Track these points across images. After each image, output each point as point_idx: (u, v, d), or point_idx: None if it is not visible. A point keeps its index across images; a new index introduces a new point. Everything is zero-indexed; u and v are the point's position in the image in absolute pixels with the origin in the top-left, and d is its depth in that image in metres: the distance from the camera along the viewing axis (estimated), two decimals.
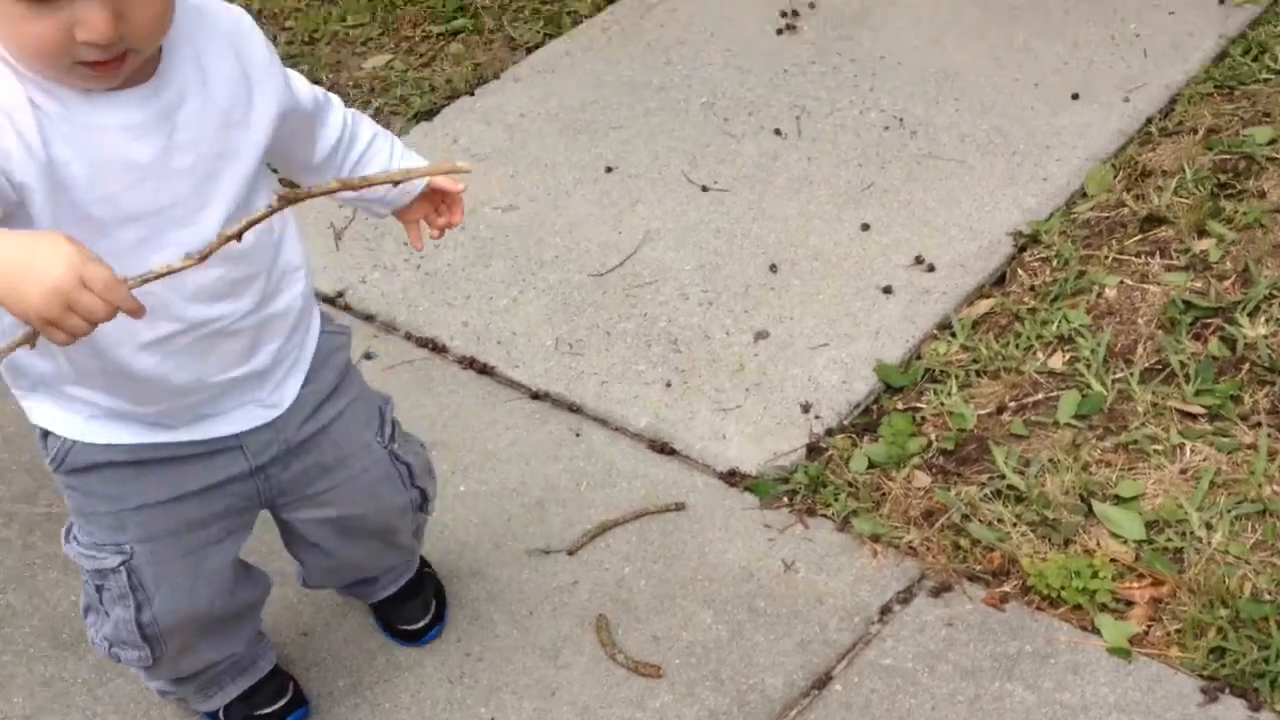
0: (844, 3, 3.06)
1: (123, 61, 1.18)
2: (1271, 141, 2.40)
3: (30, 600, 1.89)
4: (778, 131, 2.68)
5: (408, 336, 2.31)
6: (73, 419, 1.36)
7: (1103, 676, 1.66)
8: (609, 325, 2.28)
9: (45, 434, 1.39)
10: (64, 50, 1.14)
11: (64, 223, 1.17)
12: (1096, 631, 1.70)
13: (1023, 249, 2.31)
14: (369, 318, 2.36)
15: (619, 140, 2.71)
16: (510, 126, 2.79)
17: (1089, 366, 2.04)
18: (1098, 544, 1.79)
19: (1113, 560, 1.77)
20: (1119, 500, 1.84)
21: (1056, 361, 2.08)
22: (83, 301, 1.03)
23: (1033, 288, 2.22)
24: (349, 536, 1.58)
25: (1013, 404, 2.02)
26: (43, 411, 1.38)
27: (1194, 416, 1.94)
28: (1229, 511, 1.79)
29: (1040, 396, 2.02)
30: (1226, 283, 2.14)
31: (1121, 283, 2.19)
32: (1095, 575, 1.74)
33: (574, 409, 2.12)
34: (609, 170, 2.63)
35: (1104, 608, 1.72)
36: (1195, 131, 2.48)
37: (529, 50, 3.05)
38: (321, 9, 3.31)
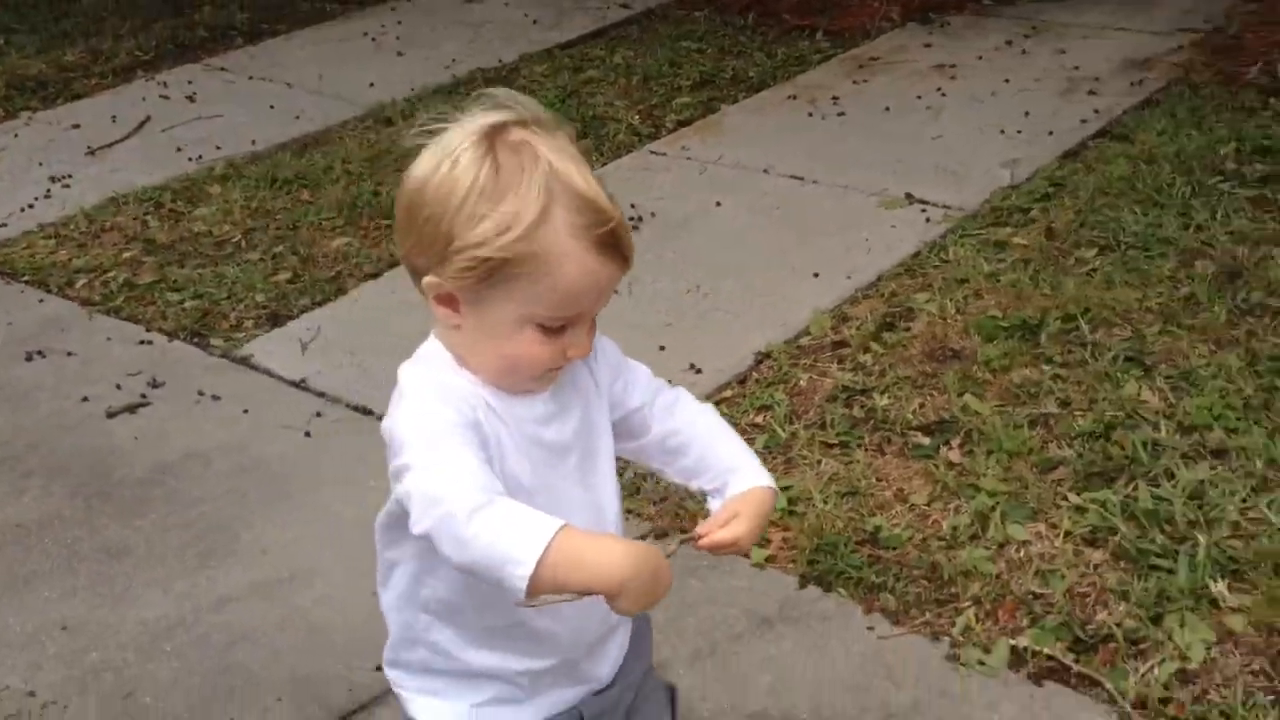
0: (675, 214, 4.36)
1: (558, 371, 1.46)
2: (927, 300, 3.63)
3: None
4: (617, 292, 3.90)
5: (348, 405, 3.45)
6: (451, 709, 1.53)
7: (746, 578, 2.74)
8: None
9: None
10: (551, 364, 1.42)
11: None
12: (748, 556, 2.80)
13: (759, 362, 3.50)
14: (320, 394, 3.51)
15: None
16: None
17: (777, 420, 3.19)
18: None
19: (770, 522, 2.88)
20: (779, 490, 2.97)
21: (759, 419, 3.23)
22: (663, 584, 1.31)
23: (756, 380, 3.40)
24: None
25: None
26: (426, 706, 1.55)
27: (831, 446, 3.08)
28: (836, 493, 2.92)
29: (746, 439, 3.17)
30: (873, 378, 3.32)
31: (810, 378, 3.37)
32: None
33: None
34: None
35: (756, 545, 2.83)
36: (883, 295, 3.72)
37: None
38: (300, 206, 4.60)
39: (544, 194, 1.34)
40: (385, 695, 2.40)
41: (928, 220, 4.16)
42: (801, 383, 3.36)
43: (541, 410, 1.47)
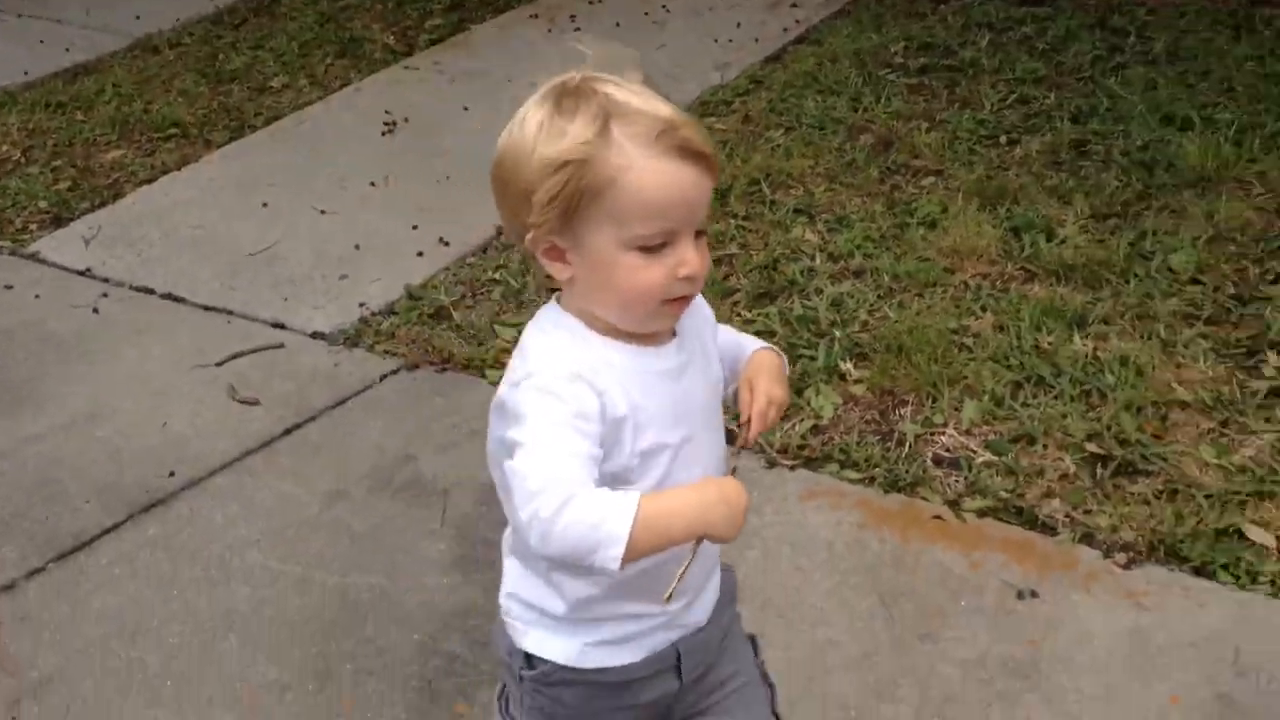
0: (427, 119, 4.89)
1: (689, 300, 1.46)
2: None
3: None
4: (373, 184, 4.42)
5: (131, 287, 3.88)
6: (563, 647, 1.56)
7: None
8: None
9: (529, 658, 1.58)
10: (664, 290, 1.41)
11: (636, 451, 1.43)
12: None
13: (500, 233, 4.06)
14: (105, 280, 3.93)
15: (280, 189, 4.41)
16: (202, 189, 4.45)
17: (510, 274, 3.77)
18: None
19: None
20: None
21: (497, 275, 3.80)
22: (739, 503, 1.37)
23: (495, 246, 3.97)
24: None
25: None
26: (537, 640, 1.57)
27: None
28: None
29: (483, 291, 3.74)
30: None
31: None
32: None
33: None
34: (265, 205, 4.30)
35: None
36: None
37: (219, 147, 4.76)
38: (75, 125, 4.95)
39: (600, 115, 1.37)
40: (174, 497, 2.92)
41: None
42: None
43: (674, 362, 1.49)
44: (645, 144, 1.37)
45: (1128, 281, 3.40)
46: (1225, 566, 2.51)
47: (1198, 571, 2.52)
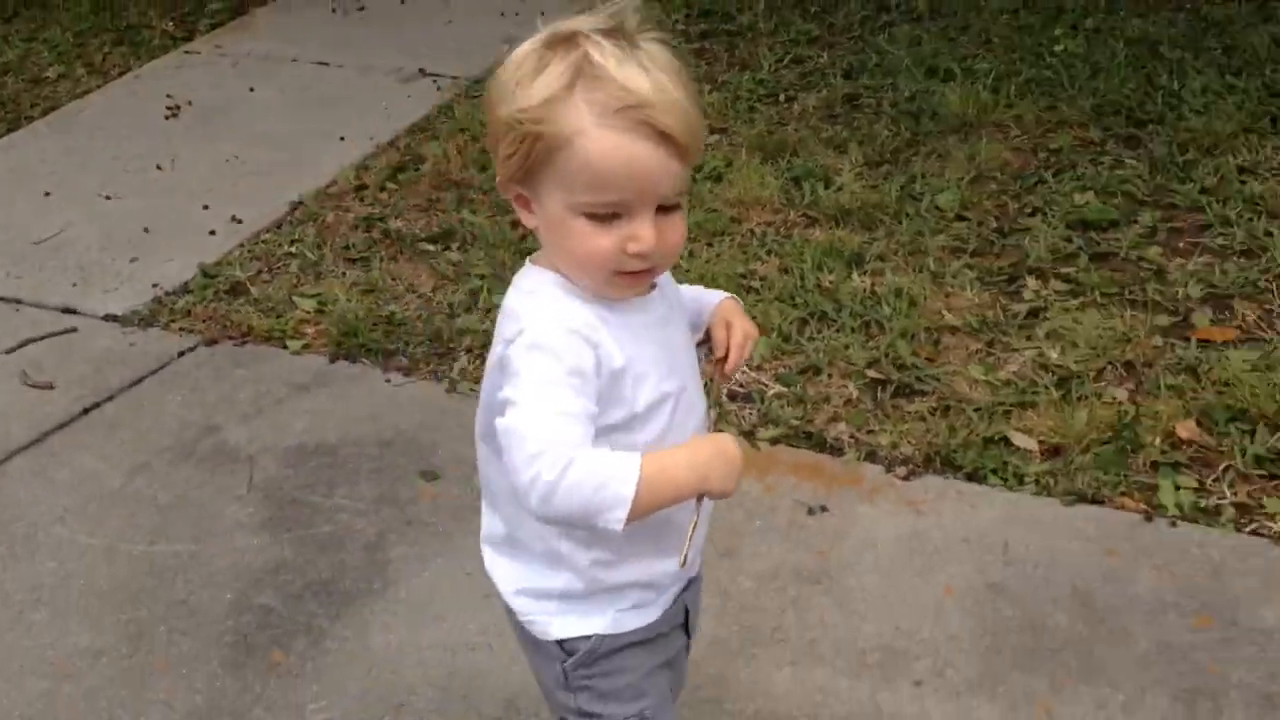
0: (211, 101, 4.83)
1: (648, 274, 1.43)
2: (435, 148, 4.29)
3: None
4: (159, 167, 4.35)
5: None
6: (596, 620, 1.54)
7: (286, 362, 3.32)
8: None
9: (563, 645, 1.56)
10: (614, 261, 1.37)
11: (640, 402, 1.43)
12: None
13: (294, 209, 4.06)
14: None
15: (63, 177, 4.30)
16: None
17: (307, 247, 3.78)
18: None
19: None
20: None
21: (293, 249, 3.80)
22: (733, 456, 1.39)
23: (290, 222, 3.97)
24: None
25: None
26: (566, 624, 1.55)
27: (354, 260, 3.71)
28: (359, 293, 3.55)
29: (280, 265, 3.74)
30: (388, 209, 3.96)
31: (336, 214, 3.97)
32: None
33: None
34: (47, 194, 4.20)
35: (297, 339, 3.41)
36: (399, 149, 4.36)
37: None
38: None
39: (570, 72, 1.33)
40: None
41: (439, 89, 4.83)
42: (329, 219, 3.96)
43: (658, 313, 1.49)
44: (603, 113, 1.33)
45: (900, 221, 3.61)
46: (994, 471, 2.72)
47: (970, 477, 2.72)
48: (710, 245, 3.56)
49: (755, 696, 2.24)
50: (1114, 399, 2.86)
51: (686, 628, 1.67)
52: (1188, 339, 3.03)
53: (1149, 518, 2.57)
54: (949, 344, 3.12)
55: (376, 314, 3.44)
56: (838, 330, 3.17)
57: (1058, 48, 4.57)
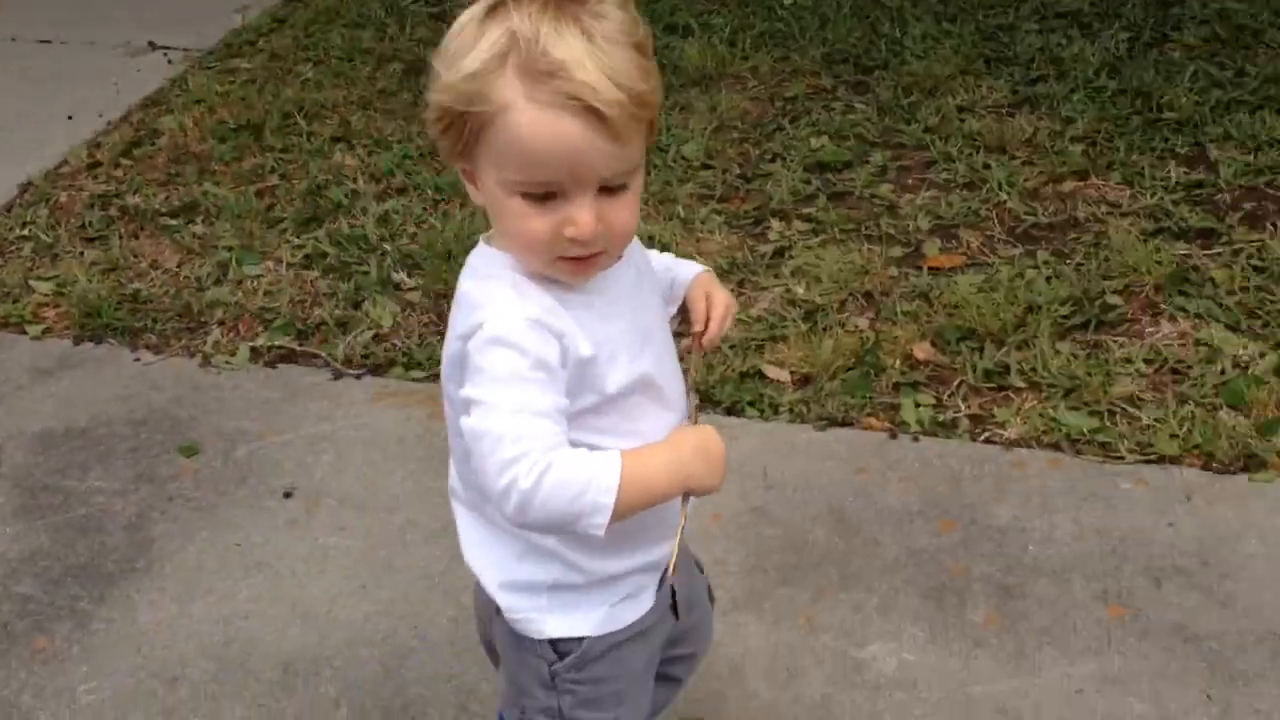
0: None
1: (595, 261, 1.33)
2: (170, 122, 4.15)
3: None
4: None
5: None
6: (591, 617, 1.48)
7: (26, 348, 3.18)
8: None
9: (555, 646, 1.49)
10: (552, 244, 1.29)
11: (613, 385, 1.37)
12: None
13: (23, 191, 3.86)
14: None
15: None
16: None
17: (40, 229, 3.61)
18: None
19: None
20: None
21: (25, 232, 3.63)
22: (715, 450, 1.36)
23: (20, 204, 3.78)
24: (695, 663, 1.81)
25: None
26: (557, 623, 1.48)
27: (91, 240, 3.56)
28: (99, 272, 3.42)
29: (14, 250, 3.56)
30: (124, 185, 3.82)
31: (69, 194, 3.80)
32: None
33: None
34: None
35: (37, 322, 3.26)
36: (132, 124, 4.20)
37: None
38: None
39: (506, 40, 1.24)
40: None
41: (170, 62, 4.67)
42: (62, 199, 3.79)
43: (628, 280, 1.42)
44: (532, 86, 1.23)
45: (650, 173, 3.69)
46: (751, 403, 2.83)
47: (730, 411, 2.82)
48: (464, 205, 3.57)
49: None
50: (856, 327, 3.01)
51: (675, 609, 1.61)
52: (920, 268, 3.22)
53: (894, 435, 2.73)
54: None
55: (120, 293, 3.32)
56: None
57: (788, 1, 4.74)
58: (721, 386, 2.86)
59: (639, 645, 1.55)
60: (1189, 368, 2.81)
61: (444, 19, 4.82)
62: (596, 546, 1.41)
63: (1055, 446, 2.65)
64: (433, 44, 4.19)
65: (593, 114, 1.23)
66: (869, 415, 2.78)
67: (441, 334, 3.10)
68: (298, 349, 3.10)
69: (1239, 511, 2.46)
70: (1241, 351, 2.82)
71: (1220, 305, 2.97)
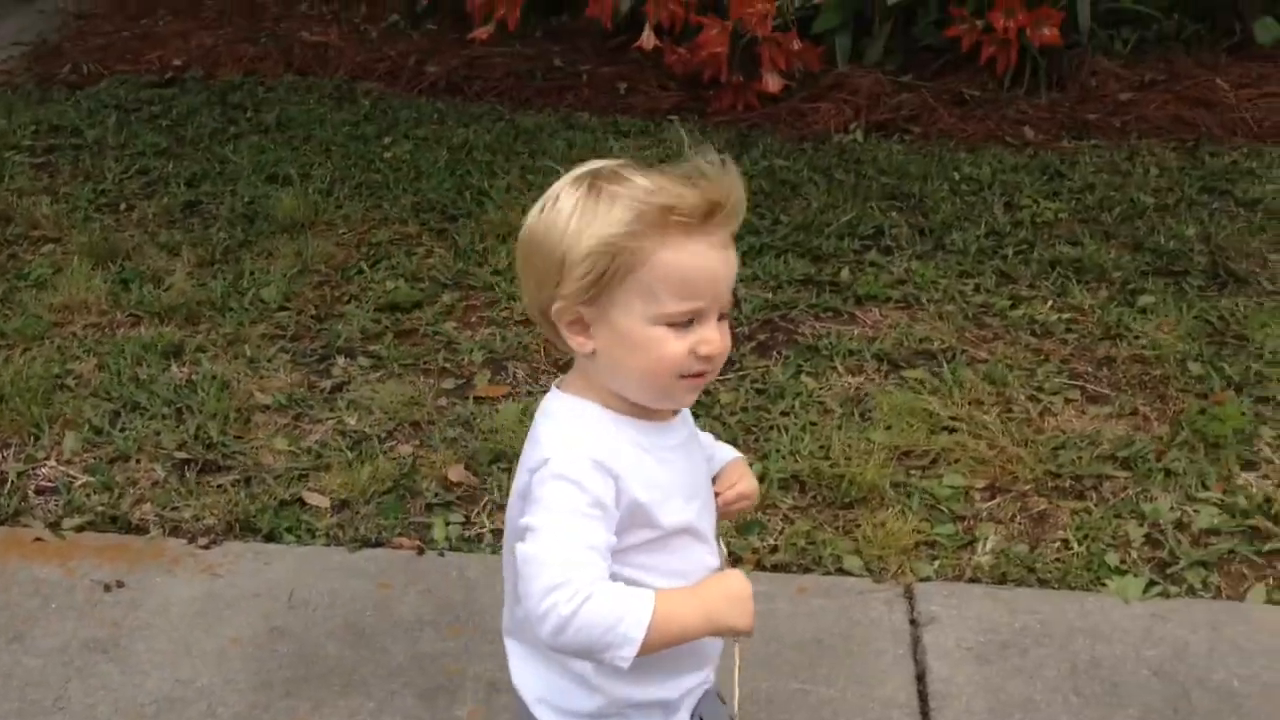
0: None
1: (705, 378, 1.50)
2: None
3: None
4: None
5: None
6: None
7: None
8: None
9: None
10: (684, 365, 1.46)
11: (661, 528, 1.51)
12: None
13: None
14: None
15: None
16: None
17: None
18: None
19: None
20: None
21: None
22: (742, 595, 1.48)
23: None
24: None
25: None
26: None
27: None
28: None
29: None
30: None
31: None
32: None
33: None
34: None
35: None
36: None
37: None
38: None
39: (637, 201, 1.43)
40: None
41: None
42: None
43: (682, 436, 1.57)
44: (681, 224, 1.42)
45: (224, 315, 3.84)
46: (289, 529, 2.97)
47: (268, 538, 2.95)
48: (27, 350, 3.61)
49: None
50: (399, 454, 3.21)
51: None
52: (468, 397, 3.46)
53: (421, 552, 2.91)
54: (260, 421, 3.36)
55: None
56: (150, 418, 3.33)
57: (387, 154, 5.03)
58: (262, 515, 2.99)
59: None
60: None
61: (46, 168, 4.89)
62: (647, 673, 1.52)
63: None
64: (30, 193, 4.24)
65: (730, 242, 1.49)
66: (400, 535, 2.96)
67: None
68: None
69: None
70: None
71: (724, 424, 3.32)
